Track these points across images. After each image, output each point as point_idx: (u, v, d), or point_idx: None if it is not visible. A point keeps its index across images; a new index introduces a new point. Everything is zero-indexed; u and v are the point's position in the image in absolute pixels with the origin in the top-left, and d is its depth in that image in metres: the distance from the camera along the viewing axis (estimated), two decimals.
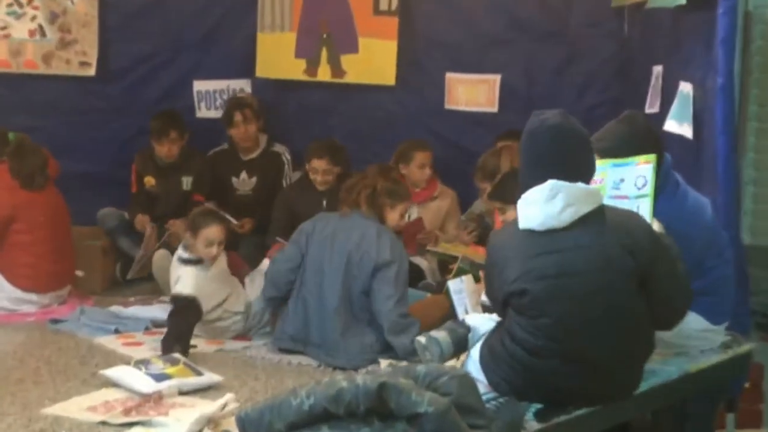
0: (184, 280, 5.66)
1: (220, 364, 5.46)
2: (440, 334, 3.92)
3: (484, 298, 4.78)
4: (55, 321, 6.13)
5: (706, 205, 4.24)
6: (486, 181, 6.21)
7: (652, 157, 4.11)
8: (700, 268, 3.99)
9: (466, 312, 4.97)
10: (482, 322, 3.93)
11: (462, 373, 3.51)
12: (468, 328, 3.92)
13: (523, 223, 3.49)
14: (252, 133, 7.21)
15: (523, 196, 3.51)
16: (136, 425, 4.38)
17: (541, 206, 3.43)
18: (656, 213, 3.91)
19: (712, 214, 4.24)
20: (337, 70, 7.47)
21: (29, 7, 7.43)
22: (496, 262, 3.59)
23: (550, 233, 3.43)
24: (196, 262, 5.77)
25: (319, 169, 6.69)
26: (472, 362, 3.77)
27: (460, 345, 3.88)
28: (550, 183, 3.42)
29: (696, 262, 3.95)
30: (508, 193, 4.54)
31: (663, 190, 3.99)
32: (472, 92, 7.37)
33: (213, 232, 5.78)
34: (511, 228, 3.62)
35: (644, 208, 4.02)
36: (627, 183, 4.17)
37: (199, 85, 7.70)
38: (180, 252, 5.85)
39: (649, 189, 4.10)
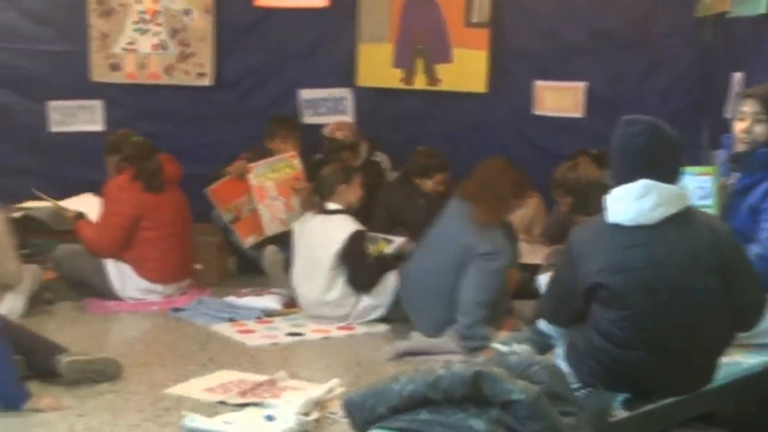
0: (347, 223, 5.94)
1: (326, 351, 5.54)
2: (522, 348, 3.87)
3: (542, 281, 4.73)
4: (177, 309, 6.23)
5: None
6: (566, 196, 6.14)
7: (711, 169, 4.04)
8: None
9: None
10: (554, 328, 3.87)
11: (552, 363, 3.49)
12: (547, 335, 3.88)
13: (612, 217, 3.44)
14: (350, 164, 7.21)
15: (613, 192, 3.46)
16: (250, 406, 4.44)
17: (632, 202, 3.39)
18: None
19: None
20: (432, 78, 7.47)
21: (153, 24, 7.59)
22: (579, 255, 3.52)
23: (639, 228, 3.38)
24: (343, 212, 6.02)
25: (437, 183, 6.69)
26: (559, 361, 3.72)
27: (542, 352, 3.84)
28: (643, 182, 3.37)
29: None
30: (592, 205, 4.49)
31: None
32: (558, 99, 7.32)
33: (362, 176, 6.18)
34: (596, 223, 3.57)
35: None
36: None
37: (305, 94, 7.77)
38: (328, 205, 6.03)
39: (711, 201, 4.03)
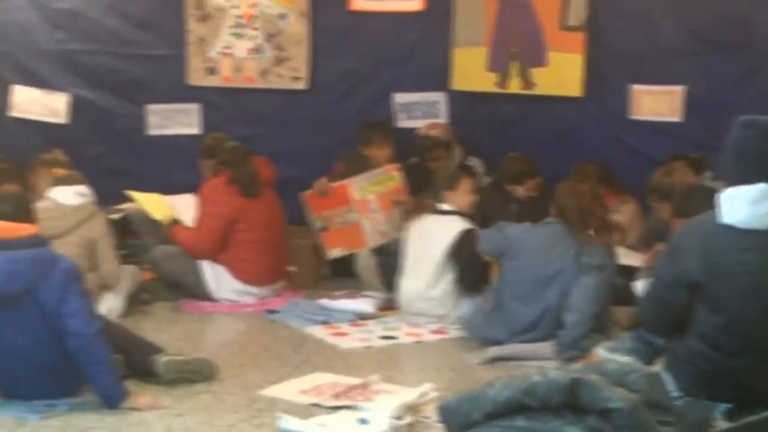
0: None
1: (420, 355, 5.55)
2: (625, 359, 3.83)
3: (639, 286, 4.65)
4: (271, 311, 6.28)
5: None
6: (662, 202, 6.04)
7: None
8: None
9: None
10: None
11: (651, 371, 3.44)
12: (653, 342, 3.82)
13: (726, 218, 3.38)
14: (443, 165, 7.23)
15: (728, 191, 3.40)
16: (343, 408, 4.45)
17: (746, 206, 3.32)
18: None
19: None
20: (526, 82, 7.42)
21: (250, 28, 7.70)
22: (682, 251, 3.45)
23: (751, 232, 3.32)
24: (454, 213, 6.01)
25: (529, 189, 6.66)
26: (659, 368, 3.67)
27: (648, 362, 3.79)
28: (761, 186, 3.31)
29: None
30: (694, 207, 4.41)
31: None
32: (656, 103, 7.19)
33: (471, 181, 6.17)
34: (704, 221, 3.49)
35: None
36: None
37: (399, 98, 7.78)
38: (441, 206, 6.07)
39: None
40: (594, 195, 5.57)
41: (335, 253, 6.96)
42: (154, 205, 6.75)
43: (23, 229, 4.38)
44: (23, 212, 4.51)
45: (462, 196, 6.11)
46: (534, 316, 5.36)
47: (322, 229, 6.96)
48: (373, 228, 6.84)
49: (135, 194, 6.86)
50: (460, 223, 5.97)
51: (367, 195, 6.87)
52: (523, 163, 6.77)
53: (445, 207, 6.06)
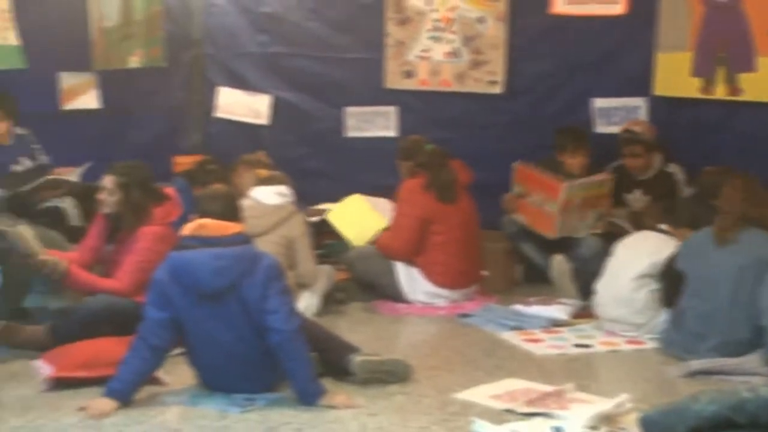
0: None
1: (615, 365, 5.49)
2: None
3: None
4: (463, 315, 6.31)
5: None
6: None
7: None
8: None
9: None
10: None
11: None
12: None
13: None
14: (641, 164, 7.08)
15: None
16: (537, 415, 4.43)
17: None
18: None
19: None
20: (733, 88, 7.17)
21: (448, 32, 7.76)
22: None
23: None
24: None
25: None
26: None
27: None
28: None
29: None
30: None
31: None
32: None
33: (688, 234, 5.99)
34: None
35: None
36: None
37: (597, 102, 7.68)
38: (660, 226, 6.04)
39: None
40: (754, 191, 5.47)
41: (517, 218, 6.99)
42: (354, 219, 6.93)
43: (231, 228, 4.56)
44: (231, 211, 4.71)
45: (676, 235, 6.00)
46: (707, 313, 5.30)
47: (519, 194, 6.94)
48: (565, 224, 6.77)
49: (334, 217, 7.03)
50: (671, 243, 5.88)
51: (575, 198, 6.78)
52: (721, 176, 6.60)
53: (664, 227, 6.02)
